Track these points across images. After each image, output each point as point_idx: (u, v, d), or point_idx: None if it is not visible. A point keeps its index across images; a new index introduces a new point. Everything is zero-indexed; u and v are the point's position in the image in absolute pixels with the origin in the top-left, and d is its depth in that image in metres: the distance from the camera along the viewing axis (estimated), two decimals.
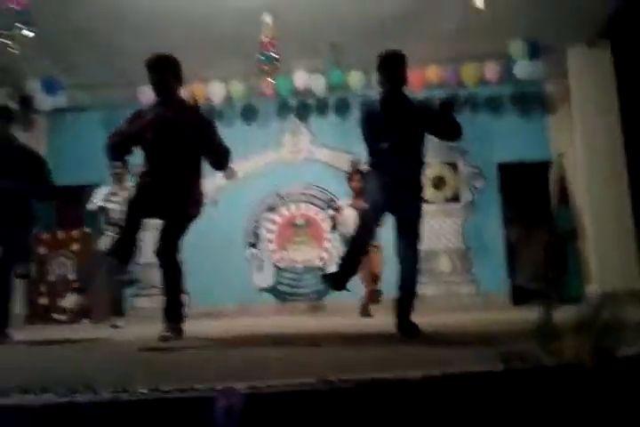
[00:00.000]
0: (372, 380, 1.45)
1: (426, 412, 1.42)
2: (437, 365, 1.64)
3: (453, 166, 7.50)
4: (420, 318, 3.10)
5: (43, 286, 7.03)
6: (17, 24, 4.14)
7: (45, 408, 1.36)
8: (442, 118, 3.24)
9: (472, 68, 6.69)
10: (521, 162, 7.30)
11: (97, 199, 5.54)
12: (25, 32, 4.23)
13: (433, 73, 6.70)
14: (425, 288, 6.41)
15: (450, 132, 3.33)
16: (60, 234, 7.19)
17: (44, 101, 6.83)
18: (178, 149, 3.41)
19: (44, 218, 7.29)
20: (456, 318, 4.59)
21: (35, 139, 6.65)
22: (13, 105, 6.42)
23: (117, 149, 3.52)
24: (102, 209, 5.52)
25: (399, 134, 3.18)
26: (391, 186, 3.20)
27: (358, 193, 5.61)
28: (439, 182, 7.47)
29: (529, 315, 1.72)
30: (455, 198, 7.47)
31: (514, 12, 5.62)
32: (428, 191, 7.24)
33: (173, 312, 3.41)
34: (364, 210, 3.41)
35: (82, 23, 5.73)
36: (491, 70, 6.66)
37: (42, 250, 7.07)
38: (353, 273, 3.33)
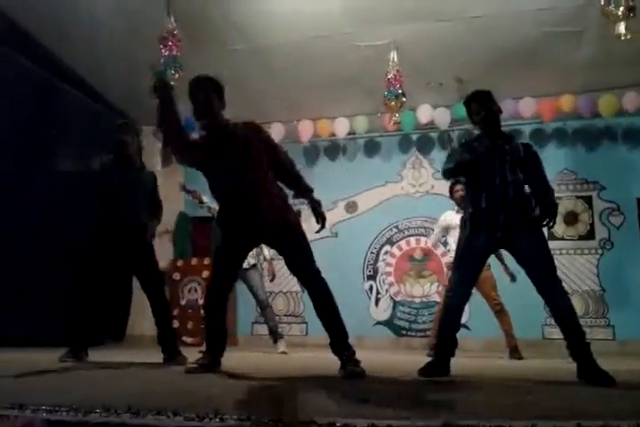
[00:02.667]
0: None
1: None
2: (567, 417, 1.52)
3: (587, 200, 7.04)
4: (548, 363, 2.89)
5: (175, 310, 7.43)
6: (170, 70, 4.53)
7: None
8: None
9: (609, 98, 6.34)
10: None
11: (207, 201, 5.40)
12: (175, 76, 4.62)
13: (566, 103, 6.44)
14: (552, 331, 6.01)
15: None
16: (194, 261, 7.59)
17: None
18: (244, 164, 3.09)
19: (181, 246, 7.88)
20: None
21: (172, 172, 7.10)
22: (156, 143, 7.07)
23: None
24: (210, 209, 5.35)
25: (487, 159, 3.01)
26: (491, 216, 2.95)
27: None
28: (571, 218, 7.03)
29: None
30: (589, 235, 6.98)
31: None
32: (559, 227, 6.84)
33: (342, 343, 3.11)
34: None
35: (221, 67, 6.19)
36: (630, 100, 6.26)
37: (176, 276, 7.54)
38: (452, 353, 3.02)
